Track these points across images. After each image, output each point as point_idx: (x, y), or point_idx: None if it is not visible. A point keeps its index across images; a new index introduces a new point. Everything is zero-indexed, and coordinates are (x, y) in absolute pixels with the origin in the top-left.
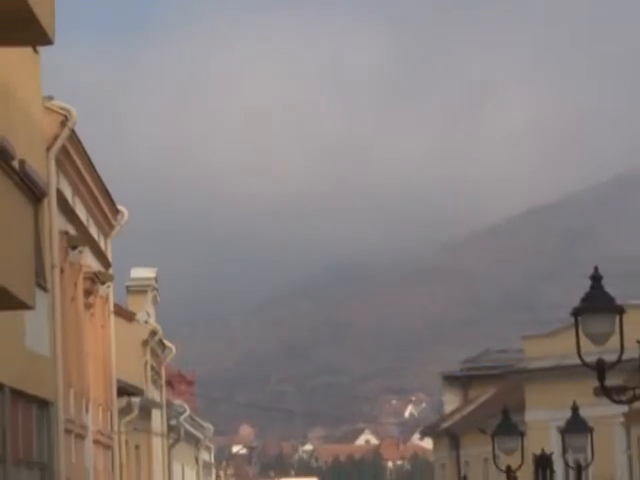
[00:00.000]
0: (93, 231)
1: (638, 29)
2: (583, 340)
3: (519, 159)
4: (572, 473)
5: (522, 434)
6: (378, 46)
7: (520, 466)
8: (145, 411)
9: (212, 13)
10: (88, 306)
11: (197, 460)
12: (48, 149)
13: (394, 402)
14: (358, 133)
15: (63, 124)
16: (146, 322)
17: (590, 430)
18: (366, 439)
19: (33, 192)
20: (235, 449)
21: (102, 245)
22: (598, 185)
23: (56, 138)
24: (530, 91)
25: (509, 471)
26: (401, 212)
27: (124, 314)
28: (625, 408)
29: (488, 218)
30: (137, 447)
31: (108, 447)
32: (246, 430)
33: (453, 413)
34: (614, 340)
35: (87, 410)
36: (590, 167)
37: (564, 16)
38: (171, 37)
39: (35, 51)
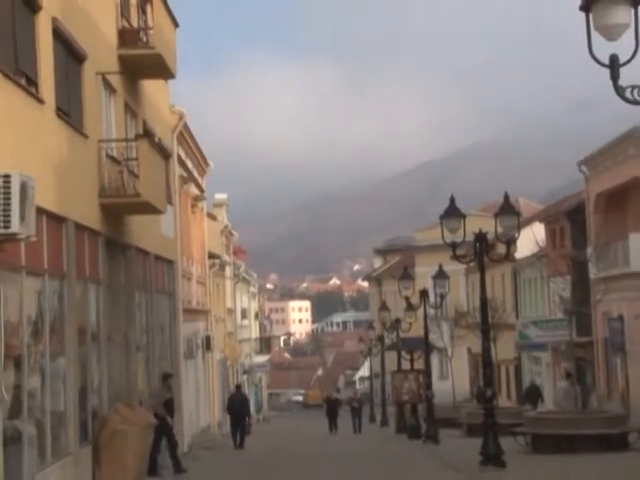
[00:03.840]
0: (195, 175)
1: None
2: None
3: (412, 136)
4: (438, 300)
5: (413, 279)
6: (334, 74)
7: (412, 295)
8: (221, 266)
9: (254, 64)
10: (193, 212)
11: (248, 291)
12: (172, 132)
13: (348, 262)
14: (326, 121)
15: (180, 118)
16: (222, 221)
17: (447, 277)
18: (334, 282)
19: (165, 155)
20: (268, 286)
21: (200, 181)
22: (456, 151)
23: (176, 126)
24: (425, 97)
25: (407, 298)
26: (351, 163)
27: (211, 217)
28: (465, 266)
29: (394, 169)
30: (218, 285)
31: (203, 284)
32: (273, 276)
33: (378, 268)
34: (461, 231)
35: (192, 265)
36: (450, 141)
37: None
38: (231, 73)
39: (165, 81)
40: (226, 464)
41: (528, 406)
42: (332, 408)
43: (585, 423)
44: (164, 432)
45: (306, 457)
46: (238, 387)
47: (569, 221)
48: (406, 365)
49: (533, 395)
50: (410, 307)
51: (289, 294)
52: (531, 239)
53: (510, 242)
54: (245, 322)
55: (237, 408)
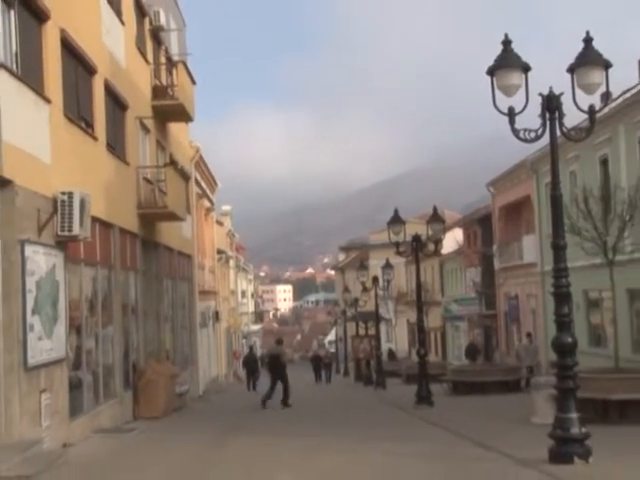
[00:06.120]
0: (208, 192)
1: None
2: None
3: (368, 163)
4: (386, 284)
5: (368, 269)
6: (308, 116)
7: (367, 281)
8: (227, 259)
9: (250, 109)
10: (206, 220)
11: (246, 278)
12: (191, 161)
13: (320, 256)
14: (304, 151)
15: (197, 151)
16: (227, 226)
17: (392, 267)
18: (309, 271)
19: (185, 177)
20: (261, 274)
21: (211, 197)
22: (399, 174)
23: (194, 157)
24: (377, 133)
25: (363, 283)
26: (323, 182)
27: (219, 223)
28: (405, 259)
29: (355, 187)
30: (224, 273)
31: (213, 272)
32: (265, 267)
33: (342, 261)
34: (402, 234)
35: (205, 258)
36: (395, 167)
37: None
38: (232, 118)
39: (186, 123)
40: (242, 403)
41: (467, 360)
42: (317, 364)
43: (491, 373)
44: (281, 377)
45: (299, 398)
46: (251, 348)
47: (480, 227)
48: (362, 332)
49: (472, 352)
50: (365, 289)
51: (277, 280)
52: (453, 240)
53: (437, 242)
54: (244, 300)
55: (251, 363)
